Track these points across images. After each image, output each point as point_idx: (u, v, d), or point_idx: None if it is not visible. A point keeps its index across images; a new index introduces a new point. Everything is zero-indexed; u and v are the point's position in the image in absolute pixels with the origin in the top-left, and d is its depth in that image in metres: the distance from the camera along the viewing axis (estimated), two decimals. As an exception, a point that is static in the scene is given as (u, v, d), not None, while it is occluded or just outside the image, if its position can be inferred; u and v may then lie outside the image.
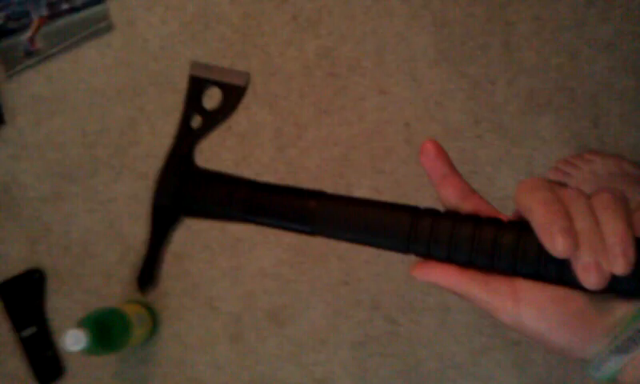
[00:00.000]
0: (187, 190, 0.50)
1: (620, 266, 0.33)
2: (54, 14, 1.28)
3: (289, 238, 1.12)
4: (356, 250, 1.09)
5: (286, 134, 1.11)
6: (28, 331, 1.24)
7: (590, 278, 0.34)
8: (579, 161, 0.96)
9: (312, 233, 0.45)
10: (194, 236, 1.16)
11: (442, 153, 0.41)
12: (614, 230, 0.34)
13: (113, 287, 1.20)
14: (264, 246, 1.12)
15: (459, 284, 0.39)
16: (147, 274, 0.51)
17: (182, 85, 1.15)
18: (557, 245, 0.34)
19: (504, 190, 1.01)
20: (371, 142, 1.06)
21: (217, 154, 1.15)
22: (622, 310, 0.36)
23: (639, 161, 0.95)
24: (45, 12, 1.29)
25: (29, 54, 1.29)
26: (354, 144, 1.07)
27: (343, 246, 1.09)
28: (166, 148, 1.21)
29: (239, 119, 1.15)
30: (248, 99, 1.13)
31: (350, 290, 1.09)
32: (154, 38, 1.20)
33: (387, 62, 1.06)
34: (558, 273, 0.36)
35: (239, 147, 1.14)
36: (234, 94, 0.52)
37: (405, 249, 0.41)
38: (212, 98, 0.53)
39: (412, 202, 0.42)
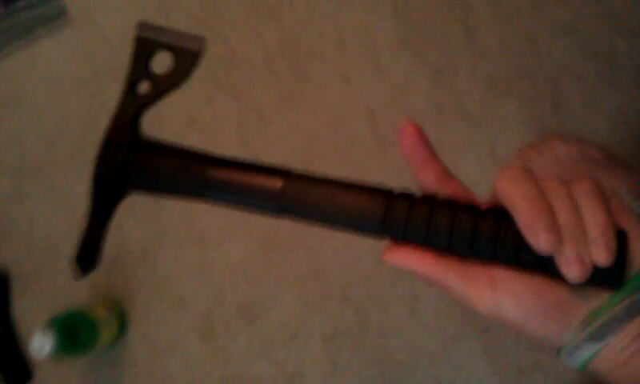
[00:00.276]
0: (134, 161, 0.46)
1: (603, 258, 0.34)
2: (11, 11, 1.26)
3: (256, 232, 1.12)
4: (324, 243, 1.10)
5: (250, 126, 1.11)
6: (-6, 335, 1.22)
7: (573, 272, 0.34)
8: (542, 145, 0.97)
9: (278, 212, 0.43)
10: (160, 233, 1.15)
11: (422, 137, 0.40)
12: (595, 221, 0.34)
13: (79, 287, 1.19)
14: (231, 241, 1.12)
15: (435, 271, 0.38)
16: (87, 254, 0.48)
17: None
18: (541, 242, 0.34)
19: (470, 177, 1.01)
20: (336, 132, 1.07)
21: (181, 148, 1.14)
22: (598, 299, 0.36)
23: (601, 144, 0.97)
24: (1, 8, 1.27)
25: (-15, 51, 1.28)
26: (319, 134, 1.08)
27: (311, 239, 1.09)
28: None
29: (203, 112, 1.14)
30: (211, 90, 1.13)
31: (319, 283, 1.09)
32: (112, 31, 1.19)
33: (349, 51, 1.06)
34: (539, 262, 0.36)
35: (203, 141, 1.13)
36: (187, 60, 0.48)
37: (379, 232, 0.40)
38: (162, 63, 0.49)
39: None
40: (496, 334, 1.02)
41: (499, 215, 0.37)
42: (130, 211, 1.17)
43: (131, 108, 0.48)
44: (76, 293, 1.19)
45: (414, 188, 0.42)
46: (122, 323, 1.17)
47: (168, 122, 1.14)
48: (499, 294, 0.37)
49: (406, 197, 0.40)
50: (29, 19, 1.25)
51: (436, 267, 0.38)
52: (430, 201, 0.39)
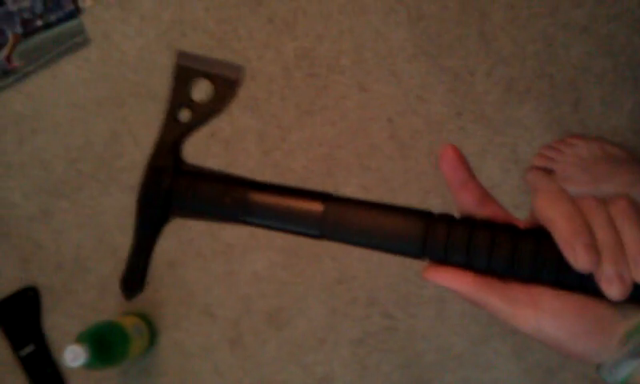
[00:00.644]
0: (177, 187, 0.48)
1: None
2: (29, 31, 1.30)
3: (281, 241, 1.15)
4: (349, 248, 1.13)
5: (270, 137, 1.15)
6: (26, 350, 1.28)
7: (613, 290, 0.35)
8: (563, 146, 1.00)
9: (320, 236, 0.45)
10: (186, 244, 1.19)
11: (462, 159, 0.42)
12: (634, 239, 0.36)
13: (108, 300, 1.24)
14: (256, 250, 1.16)
15: (476, 291, 0.40)
16: (133, 279, 0.49)
17: (162, 94, 1.18)
18: (580, 260, 0.35)
19: (491, 180, 1.05)
20: (356, 140, 1.10)
21: (202, 161, 1.17)
22: (637, 317, 0.38)
23: (621, 142, 0.99)
24: (19, 29, 1.31)
25: (6, 72, 1.32)
26: (339, 143, 1.11)
27: (335, 246, 1.12)
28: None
29: (222, 125, 1.18)
30: (230, 105, 1.16)
31: (346, 289, 1.13)
32: (130, 49, 1.22)
33: (366, 60, 1.09)
34: (579, 281, 0.37)
35: (224, 153, 1.17)
36: (226, 88, 0.50)
37: (419, 253, 0.41)
38: (202, 91, 0.52)
39: (401, 198, 0.45)
40: (524, 334, 1.05)
41: (538, 235, 0.39)
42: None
43: (172, 135, 0.50)
44: (106, 305, 1.23)
45: (438, 199, 0.45)
46: (153, 333, 1.22)
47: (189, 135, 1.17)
48: (540, 312, 0.38)
49: (445, 218, 0.41)
50: (47, 39, 1.29)
51: (476, 287, 0.40)
52: (469, 222, 0.40)
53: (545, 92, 1.01)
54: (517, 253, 0.39)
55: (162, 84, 1.22)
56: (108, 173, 1.23)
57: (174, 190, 0.48)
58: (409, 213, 0.43)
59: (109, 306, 1.23)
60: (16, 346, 1.28)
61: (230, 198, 0.47)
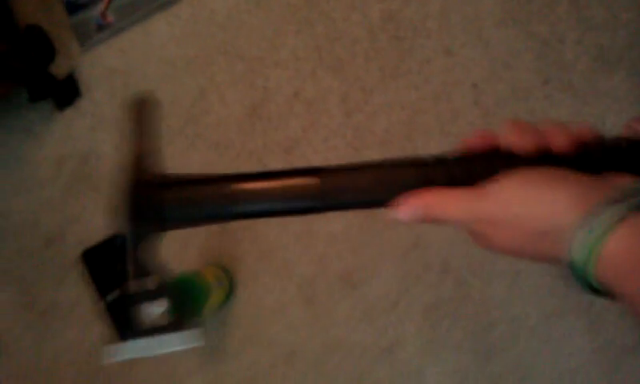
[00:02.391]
0: (168, 199, 0.51)
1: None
2: (123, -12, 1.46)
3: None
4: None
5: (352, 99, 1.25)
6: (112, 296, 1.43)
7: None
8: (653, 118, 1.04)
9: (322, 208, 0.51)
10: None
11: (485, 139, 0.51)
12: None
13: (190, 253, 1.39)
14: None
15: (443, 190, 0.48)
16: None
17: (250, 53, 1.31)
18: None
19: (575, 150, 1.10)
20: (438, 105, 1.19)
21: (285, 121, 1.31)
22: (621, 182, 0.44)
23: None
24: (114, -15, 1.47)
25: (101, 27, 1.49)
26: (421, 107, 1.20)
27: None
28: (237, 117, 1.39)
29: (306, 85, 1.29)
30: (314, 65, 1.27)
31: (420, 253, 1.22)
32: (220, 7, 1.36)
33: (452, 23, 1.17)
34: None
35: (307, 114, 1.29)
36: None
37: (421, 183, 0.49)
38: None
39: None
40: (600, 310, 1.11)
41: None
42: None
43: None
44: (188, 257, 1.38)
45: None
46: (231, 287, 1.36)
47: (274, 95, 1.30)
48: (504, 180, 0.46)
49: (436, 159, 0.50)
50: (140, -4, 1.43)
51: (443, 187, 0.48)
52: (451, 160, 0.50)
53: (636, 62, 1.06)
54: (483, 163, 0.49)
55: (249, 44, 1.35)
56: (195, 129, 1.38)
57: (165, 202, 0.51)
58: (401, 162, 0.51)
59: (191, 257, 1.38)
60: (102, 292, 1.44)
61: (224, 195, 0.51)
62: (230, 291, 1.37)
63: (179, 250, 1.41)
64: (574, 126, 0.48)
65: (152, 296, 0.52)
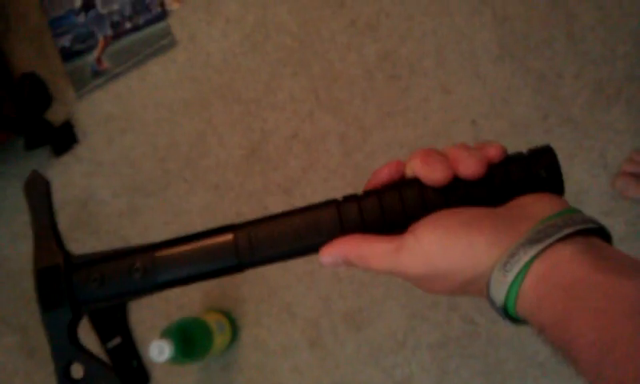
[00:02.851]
0: (78, 281, 0.49)
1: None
2: (118, 34, 1.47)
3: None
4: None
5: (351, 139, 1.25)
6: (113, 342, 1.43)
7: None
8: (654, 150, 1.04)
9: (239, 266, 0.49)
10: (268, 244, 1.31)
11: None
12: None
13: (191, 297, 1.38)
14: (336, 252, 1.26)
15: (361, 241, 0.47)
16: None
17: (247, 96, 1.31)
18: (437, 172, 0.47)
19: (579, 184, 1.11)
20: (437, 142, 1.18)
21: (284, 161, 1.30)
22: (532, 220, 0.43)
23: None
24: (109, 32, 1.48)
25: (96, 73, 1.49)
26: (420, 145, 1.19)
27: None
28: (236, 159, 1.38)
29: (304, 126, 1.29)
30: (312, 106, 1.27)
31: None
32: (216, 51, 1.36)
33: (449, 61, 1.17)
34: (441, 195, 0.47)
35: (305, 154, 1.28)
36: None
37: (339, 233, 0.48)
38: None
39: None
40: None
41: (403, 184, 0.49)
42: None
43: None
44: (189, 301, 1.37)
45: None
46: (234, 330, 1.35)
47: (272, 136, 1.29)
48: (420, 233, 0.45)
49: (351, 198, 0.49)
50: (136, 41, 1.45)
51: (363, 238, 0.48)
52: (370, 193, 0.49)
53: (635, 95, 1.06)
54: (398, 202, 0.48)
55: (245, 86, 1.35)
56: (194, 172, 1.37)
57: (75, 285, 0.49)
58: (312, 206, 0.49)
59: (192, 301, 1.37)
60: (103, 338, 1.43)
61: (136, 268, 0.49)
62: (232, 336, 1.35)
63: (181, 294, 1.40)
64: (480, 147, 0.47)
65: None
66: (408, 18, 1.21)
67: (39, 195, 0.53)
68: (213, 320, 1.32)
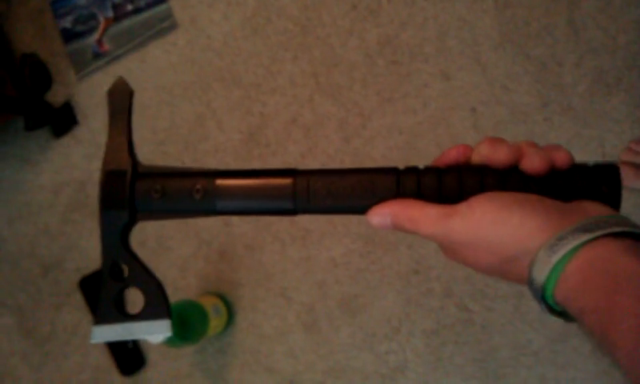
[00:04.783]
0: (140, 190, 0.52)
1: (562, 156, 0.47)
2: (120, 16, 1.46)
3: (357, 229, 1.24)
4: (426, 240, 1.21)
5: (350, 124, 1.24)
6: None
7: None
8: (653, 140, 1.03)
9: (294, 210, 0.51)
10: (264, 229, 1.31)
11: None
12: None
13: (188, 280, 1.38)
14: (333, 237, 1.26)
15: (412, 205, 0.48)
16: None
17: (247, 80, 1.30)
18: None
19: (576, 173, 1.09)
20: (437, 129, 1.17)
21: (283, 146, 1.29)
22: (590, 210, 0.45)
23: None
24: (110, 14, 1.47)
25: (97, 55, 1.49)
26: (420, 131, 1.19)
27: (412, 236, 1.20)
28: (235, 143, 1.37)
29: (304, 111, 1.28)
30: (312, 90, 1.26)
31: (421, 279, 1.21)
32: (216, 34, 1.35)
33: (450, 48, 1.16)
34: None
35: (305, 139, 1.28)
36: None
37: (394, 195, 0.50)
38: None
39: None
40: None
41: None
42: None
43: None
44: (186, 284, 1.37)
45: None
46: (230, 313, 1.34)
47: (271, 121, 1.28)
48: (474, 202, 0.46)
49: (411, 169, 0.50)
50: (137, 23, 1.44)
51: (414, 201, 0.49)
52: (430, 169, 0.51)
53: (635, 84, 1.06)
54: (457, 183, 0.49)
55: (246, 70, 1.34)
56: (193, 155, 1.36)
57: (137, 192, 0.52)
58: (374, 169, 0.51)
59: (189, 285, 1.37)
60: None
61: (197, 189, 0.51)
62: (228, 319, 1.35)
63: (178, 276, 1.39)
64: (549, 149, 0.47)
65: (124, 283, 0.52)
66: (410, 3, 1.20)
67: (121, 102, 0.58)
68: (209, 303, 1.32)
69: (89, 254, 1.47)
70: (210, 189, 0.51)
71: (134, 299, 0.52)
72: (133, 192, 0.52)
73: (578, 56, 1.09)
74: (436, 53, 1.19)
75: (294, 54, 1.30)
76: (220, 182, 0.51)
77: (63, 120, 1.52)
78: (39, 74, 1.54)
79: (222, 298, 1.36)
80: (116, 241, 0.52)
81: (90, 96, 1.50)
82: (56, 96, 1.53)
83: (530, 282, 0.43)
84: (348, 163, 1.25)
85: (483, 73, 1.15)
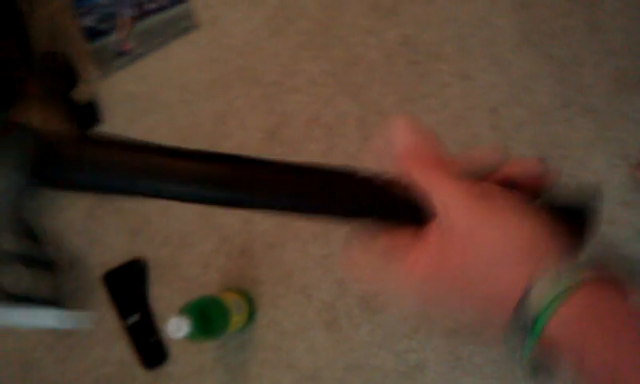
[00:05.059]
0: (65, 155, 0.45)
1: None
2: (142, 14, 1.48)
3: (377, 227, 1.24)
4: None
5: (370, 123, 1.24)
6: (133, 318, 1.47)
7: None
8: (675, 141, 1.02)
9: (232, 202, 0.46)
10: (285, 226, 1.32)
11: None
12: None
13: (210, 276, 1.39)
14: (353, 235, 1.26)
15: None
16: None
17: (268, 79, 1.31)
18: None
19: (597, 175, 1.10)
20: (456, 129, 1.18)
21: (304, 145, 1.30)
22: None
23: None
24: (133, 12, 1.48)
25: (120, 54, 1.50)
26: (439, 131, 1.18)
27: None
28: (256, 141, 1.38)
29: (325, 110, 1.29)
30: (332, 90, 1.26)
31: (440, 277, 1.20)
32: (238, 33, 1.37)
33: (469, 47, 1.16)
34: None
35: (325, 138, 1.29)
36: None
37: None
38: None
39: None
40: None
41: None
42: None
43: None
44: (208, 280, 1.39)
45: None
46: (251, 310, 1.36)
47: (292, 120, 1.30)
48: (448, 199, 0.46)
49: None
50: (159, 22, 1.46)
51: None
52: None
53: (658, 85, 1.04)
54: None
55: (267, 69, 1.35)
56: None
57: (64, 157, 0.45)
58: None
59: (211, 280, 1.39)
60: (123, 314, 1.45)
61: (129, 167, 0.46)
62: (249, 316, 1.36)
63: (200, 272, 1.41)
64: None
65: (28, 262, 0.45)
66: (429, 3, 1.20)
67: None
68: (230, 299, 1.33)
69: (113, 248, 1.50)
70: (143, 168, 0.46)
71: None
72: (57, 156, 0.45)
73: (600, 57, 1.09)
74: (455, 53, 1.19)
75: (315, 53, 1.31)
76: (157, 161, 0.46)
77: (87, 118, 1.54)
78: (64, 72, 1.57)
79: (244, 294, 1.37)
80: (30, 213, 0.47)
81: (113, 94, 1.52)
82: (79, 94, 1.56)
83: (515, 316, 0.41)
84: (368, 162, 1.25)
85: (503, 73, 1.15)
